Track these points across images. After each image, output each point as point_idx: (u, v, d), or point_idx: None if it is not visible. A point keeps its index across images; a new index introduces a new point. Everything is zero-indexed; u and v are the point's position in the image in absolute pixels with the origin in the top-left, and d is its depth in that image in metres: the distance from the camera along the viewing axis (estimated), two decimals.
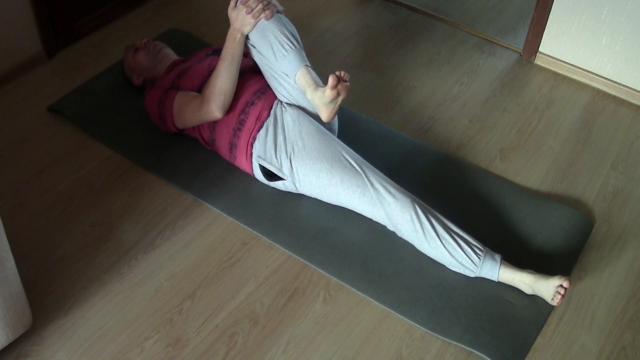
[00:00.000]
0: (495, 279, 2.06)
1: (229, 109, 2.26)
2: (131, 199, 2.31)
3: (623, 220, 2.33)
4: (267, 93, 2.29)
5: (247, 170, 2.31)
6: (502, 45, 3.10)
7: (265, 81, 2.33)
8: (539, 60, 2.99)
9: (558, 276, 1.98)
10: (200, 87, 2.34)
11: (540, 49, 2.96)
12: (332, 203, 2.22)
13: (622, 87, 2.83)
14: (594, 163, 2.54)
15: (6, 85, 2.72)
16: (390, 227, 2.14)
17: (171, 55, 2.58)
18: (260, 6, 2.20)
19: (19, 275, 1.76)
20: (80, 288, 2.05)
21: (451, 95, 2.81)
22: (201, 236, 2.21)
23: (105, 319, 1.98)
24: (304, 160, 2.16)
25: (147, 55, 2.54)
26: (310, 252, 2.15)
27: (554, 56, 2.94)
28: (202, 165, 2.40)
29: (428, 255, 2.11)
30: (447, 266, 2.09)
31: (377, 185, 2.11)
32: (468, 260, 2.04)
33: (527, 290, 2.04)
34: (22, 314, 1.81)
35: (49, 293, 2.03)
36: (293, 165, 2.18)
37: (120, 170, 2.41)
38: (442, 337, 1.97)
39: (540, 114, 2.74)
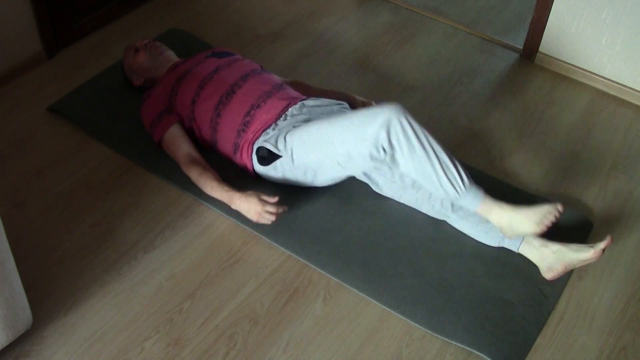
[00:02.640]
0: (472, 210, 2.08)
1: (234, 112, 2.27)
2: (131, 199, 2.31)
3: (623, 220, 2.33)
4: (272, 96, 2.29)
5: (248, 166, 2.31)
6: (502, 45, 3.10)
7: (270, 84, 2.33)
8: (539, 60, 2.99)
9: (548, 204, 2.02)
10: (198, 90, 2.33)
11: (540, 49, 2.96)
12: (327, 158, 2.14)
13: (622, 87, 2.83)
14: (594, 163, 2.54)
15: (6, 85, 2.72)
16: (383, 140, 2.04)
17: (172, 57, 2.58)
18: (273, 218, 2.12)
19: (19, 275, 1.76)
20: (80, 288, 2.05)
21: (451, 95, 2.81)
22: (201, 236, 2.21)
23: (105, 319, 1.98)
24: (297, 131, 2.18)
25: (148, 56, 2.54)
26: (310, 252, 2.15)
27: (554, 56, 2.94)
28: None
29: (414, 178, 2.08)
30: (433, 189, 2.07)
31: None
32: (456, 179, 2.05)
33: (497, 223, 2.06)
34: (22, 314, 1.81)
35: (49, 293, 2.03)
36: (287, 138, 2.18)
37: (120, 170, 2.41)
38: (442, 337, 1.97)
39: (540, 114, 2.74)
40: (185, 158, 2.31)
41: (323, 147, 2.12)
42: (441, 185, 2.05)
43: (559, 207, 2.01)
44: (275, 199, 2.13)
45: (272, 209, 2.11)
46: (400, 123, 1.99)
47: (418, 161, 2.03)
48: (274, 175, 2.27)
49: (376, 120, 2.00)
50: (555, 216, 2.01)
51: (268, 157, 2.22)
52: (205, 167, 2.28)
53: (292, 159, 2.19)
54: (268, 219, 2.12)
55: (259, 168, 2.28)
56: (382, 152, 2.02)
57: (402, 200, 2.26)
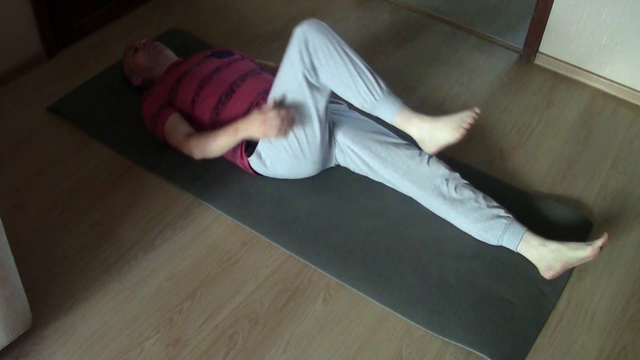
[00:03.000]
0: (389, 121, 2.13)
1: (233, 111, 2.27)
2: (131, 199, 2.31)
3: (623, 220, 2.33)
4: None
5: (246, 164, 2.31)
6: (502, 45, 3.10)
7: (269, 83, 2.33)
8: (539, 60, 2.99)
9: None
10: (198, 90, 2.33)
11: (540, 49, 2.96)
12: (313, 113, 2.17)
13: (622, 87, 2.83)
14: (594, 163, 2.54)
15: (6, 85, 2.72)
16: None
17: (171, 56, 2.58)
18: (282, 133, 2.11)
19: (19, 275, 1.76)
20: (80, 288, 2.05)
21: (451, 95, 2.81)
22: (201, 236, 2.21)
23: (105, 319, 1.98)
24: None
25: (147, 56, 2.54)
26: (310, 252, 2.15)
27: (554, 56, 2.94)
28: (202, 165, 2.40)
29: (334, 87, 2.12)
30: (351, 95, 2.12)
31: None
32: (373, 85, 2.09)
33: (417, 135, 2.10)
34: (22, 314, 1.81)
35: (49, 293, 2.03)
36: None
37: (120, 170, 2.41)
38: (442, 337, 1.97)
39: (540, 114, 2.74)
40: (184, 135, 2.30)
41: (296, 93, 2.16)
42: (358, 92, 2.09)
43: (476, 109, 2.05)
44: (272, 104, 2.13)
45: (272, 112, 2.09)
46: (315, 32, 2.07)
47: (335, 67, 2.09)
48: (269, 168, 2.28)
49: (294, 40, 2.09)
50: (473, 117, 2.04)
51: (251, 143, 2.25)
52: (203, 132, 2.28)
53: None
54: (275, 124, 2.09)
55: (256, 165, 2.28)
56: (307, 64, 2.09)
57: (400, 189, 2.28)
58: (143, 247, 2.17)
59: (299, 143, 2.19)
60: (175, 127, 2.33)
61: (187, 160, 2.41)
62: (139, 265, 2.12)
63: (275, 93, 2.18)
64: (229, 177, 2.35)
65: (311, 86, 2.13)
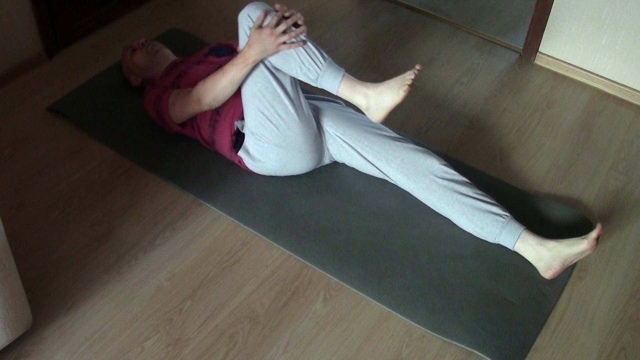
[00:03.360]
0: (334, 91, 2.13)
1: (231, 111, 2.27)
2: (131, 199, 2.31)
3: (623, 220, 2.33)
4: None
5: (242, 163, 2.31)
6: (502, 45, 3.10)
7: None
8: (539, 60, 2.99)
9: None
10: None
11: (540, 49, 2.96)
12: (254, 96, 2.17)
13: (622, 87, 2.83)
14: (594, 163, 2.54)
15: (6, 85, 2.72)
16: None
17: (169, 55, 2.58)
18: (291, 34, 2.09)
19: (19, 275, 1.76)
20: (80, 288, 2.05)
21: (451, 95, 2.81)
22: (201, 236, 2.21)
23: (105, 319, 1.98)
24: None
25: (145, 56, 2.54)
26: (310, 252, 2.15)
27: (554, 56, 2.94)
28: (202, 165, 2.40)
29: (277, 64, 2.14)
30: (295, 67, 2.13)
31: None
32: (311, 62, 2.11)
33: (363, 103, 2.11)
34: (22, 314, 1.81)
35: (49, 293, 2.03)
36: None
37: (120, 170, 2.41)
38: (442, 337, 1.97)
39: (540, 114, 2.74)
40: (188, 93, 2.26)
41: (246, 100, 2.18)
42: (302, 62, 2.10)
43: (417, 66, 2.06)
44: (266, 19, 2.10)
45: (273, 20, 2.07)
46: (253, 10, 2.09)
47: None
48: (261, 163, 2.27)
49: (240, 27, 2.12)
50: (415, 74, 2.05)
51: (238, 139, 2.26)
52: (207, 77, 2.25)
53: (248, 127, 2.22)
54: (282, 31, 2.06)
55: (248, 162, 2.29)
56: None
57: (395, 182, 2.28)
58: (143, 247, 2.17)
59: (277, 128, 2.18)
60: (178, 94, 2.31)
61: (187, 160, 2.41)
62: (139, 265, 2.12)
63: (244, 87, 2.18)
64: (229, 177, 2.35)
65: (268, 68, 2.14)
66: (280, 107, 2.16)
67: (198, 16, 3.17)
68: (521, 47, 3.04)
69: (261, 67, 2.14)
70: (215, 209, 2.28)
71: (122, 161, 2.44)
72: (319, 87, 2.16)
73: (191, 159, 2.42)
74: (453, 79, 2.89)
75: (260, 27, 2.08)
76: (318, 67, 2.12)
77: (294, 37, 2.10)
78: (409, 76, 2.06)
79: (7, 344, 1.83)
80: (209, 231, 2.23)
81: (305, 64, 2.11)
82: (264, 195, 2.31)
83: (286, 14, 2.11)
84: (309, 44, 2.13)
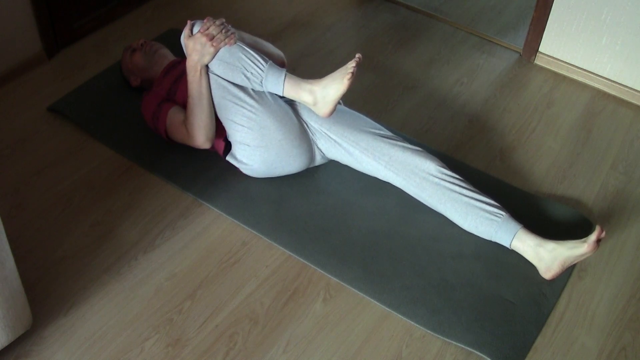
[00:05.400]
0: (280, 92, 2.16)
1: None
2: (131, 199, 2.31)
3: (623, 220, 2.33)
4: None
5: (236, 164, 2.31)
6: (502, 45, 3.10)
7: None
8: (539, 60, 2.99)
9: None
10: None
11: (540, 49, 2.96)
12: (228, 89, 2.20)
13: (622, 87, 2.83)
14: (594, 163, 2.54)
15: (6, 85, 2.72)
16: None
17: (168, 55, 2.59)
18: (221, 34, 2.16)
19: (19, 275, 1.76)
20: (80, 288, 2.05)
21: (451, 95, 2.81)
22: (201, 236, 2.21)
23: (105, 319, 1.98)
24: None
25: (144, 56, 2.54)
26: (310, 252, 2.15)
27: (554, 56, 2.94)
28: (202, 165, 2.40)
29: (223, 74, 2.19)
30: (236, 79, 2.17)
31: None
32: (253, 66, 2.15)
33: (310, 99, 2.13)
34: (22, 314, 1.81)
35: (49, 293, 2.03)
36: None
37: (120, 170, 2.41)
38: (442, 337, 1.97)
39: (540, 114, 2.74)
40: (186, 131, 2.28)
41: (219, 90, 2.21)
42: (245, 68, 2.14)
43: (357, 54, 2.09)
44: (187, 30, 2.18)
45: (197, 33, 2.15)
46: (186, 29, 2.17)
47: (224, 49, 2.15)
48: (250, 166, 2.27)
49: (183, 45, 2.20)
50: (356, 61, 2.08)
51: (227, 146, 2.28)
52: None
53: (228, 135, 2.24)
54: (215, 37, 2.14)
55: (238, 166, 2.29)
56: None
57: (387, 179, 2.28)
58: (143, 247, 2.17)
59: (251, 130, 2.19)
60: (176, 117, 2.31)
61: (187, 160, 2.41)
62: (139, 265, 2.12)
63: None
64: (229, 177, 2.35)
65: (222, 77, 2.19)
66: (247, 109, 2.18)
67: (198, 16, 3.17)
68: (521, 47, 3.04)
69: (215, 78, 2.19)
70: (215, 209, 2.28)
71: (122, 161, 2.44)
72: (266, 90, 2.19)
73: (191, 159, 2.42)
74: (453, 79, 2.89)
75: (190, 35, 2.17)
76: (260, 69, 2.15)
77: (225, 33, 2.16)
78: (350, 65, 2.08)
79: (7, 344, 1.83)
80: (209, 231, 2.23)
81: (249, 69, 2.15)
82: (264, 195, 2.31)
83: (215, 22, 2.18)
84: (249, 50, 2.17)
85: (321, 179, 2.37)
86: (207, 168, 2.39)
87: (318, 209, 2.28)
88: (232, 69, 2.16)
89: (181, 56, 2.66)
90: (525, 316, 2.01)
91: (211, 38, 2.14)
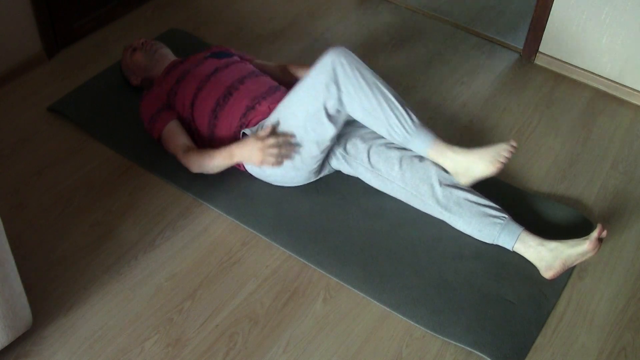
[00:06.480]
0: (424, 154, 2.14)
1: (230, 114, 2.27)
2: (131, 199, 2.31)
3: (623, 220, 2.33)
4: (267, 98, 2.29)
5: (241, 166, 2.31)
6: (502, 45, 3.10)
7: (266, 86, 2.32)
8: (539, 60, 2.99)
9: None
10: (197, 91, 2.33)
11: (540, 49, 2.96)
12: (293, 128, 2.14)
13: (622, 87, 2.83)
14: (594, 163, 2.54)
15: (6, 85, 2.72)
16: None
17: (169, 55, 2.59)
18: (278, 159, 2.12)
19: (19, 275, 1.76)
20: (80, 288, 2.05)
21: (451, 95, 2.81)
22: (201, 236, 2.21)
23: (105, 319, 1.98)
24: (271, 115, 2.21)
25: (144, 55, 2.54)
26: (310, 252, 2.15)
27: (554, 56, 2.94)
28: None
29: (363, 120, 2.12)
30: (382, 129, 2.11)
31: None
32: (405, 118, 2.09)
33: (451, 167, 2.08)
34: (22, 314, 1.81)
35: (49, 293, 2.03)
36: (265, 124, 2.21)
37: (120, 170, 2.41)
38: (442, 337, 1.97)
39: (540, 114, 2.74)
40: (182, 148, 2.30)
41: (288, 120, 2.13)
42: (390, 125, 2.07)
43: (512, 142, 2.04)
44: (268, 129, 2.10)
45: (271, 140, 2.09)
46: (343, 63, 2.05)
47: (366, 100, 2.06)
48: (265, 173, 2.27)
49: (320, 68, 2.06)
50: (510, 151, 2.02)
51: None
52: (201, 149, 2.28)
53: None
54: (272, 153, 2.09)
55: (251, 169, 2.28)
56: (333, 94, 2.05)
57: (393, 194, 2.26)
58: (143, 247, 2.17)
59: (293, 162, 2.19)
60: (174, 135, 2.33)
61: None
62: (139, 265, 2.12)
63: (284, 113, 2.15)
64: (229, 177, 2.35)
65: (329, 116, 2.10)
66: (307, 150, 2.16)
67: (198, 16, 3.17)
68: (521, 47, 3.04)
69: (320, 111, 2.08)
70: (215, 209, 2.28)
71: (122, 161, 2.44)
72: (405, 147, 2.15)
73: None
74: (453, 79, 2.89)
75: (261, 139, 2.10)
76: (407, 132, 2.10)
77: (278, 158, 2.12)
78: (503, 152, 2.03)
79: (7, 344, 1.83)
80: (209, 231, 2.23)
81: (394, 127, 2.10)
82: (264, 195, 2.31)
83: (281, 140, 2.11)
84: (398, 105, 2.09)
85: (321, 179, 2.37)
86: None
87: (318, 209, 2.28)
88: (376, 121, 2.09)
89: (181, 56, 2.66)
90: (525, 316, 2.01)
91: (272, 157, 2.11)
